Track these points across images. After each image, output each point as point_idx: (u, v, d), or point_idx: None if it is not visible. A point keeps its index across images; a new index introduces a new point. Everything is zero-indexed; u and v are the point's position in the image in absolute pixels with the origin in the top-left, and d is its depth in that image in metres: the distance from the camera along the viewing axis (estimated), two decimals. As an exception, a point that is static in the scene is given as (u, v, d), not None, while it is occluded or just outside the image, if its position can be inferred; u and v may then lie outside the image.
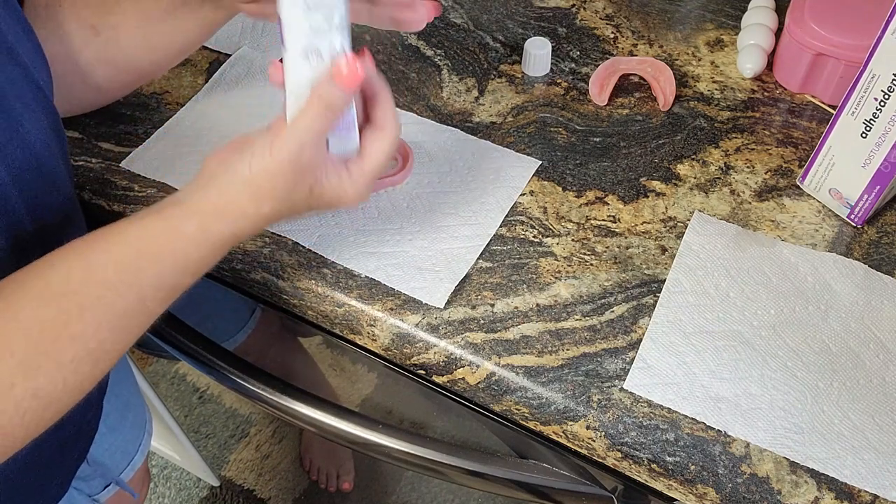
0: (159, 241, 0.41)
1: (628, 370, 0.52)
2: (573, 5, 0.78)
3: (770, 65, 0.70)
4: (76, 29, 0.57)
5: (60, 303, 0.40)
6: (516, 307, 0.56)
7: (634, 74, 0.71)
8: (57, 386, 0.40)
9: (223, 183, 0.42)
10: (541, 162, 0.64)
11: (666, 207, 0.61)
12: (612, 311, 0.55)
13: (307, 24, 0.40)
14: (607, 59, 0.72)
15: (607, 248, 0.59)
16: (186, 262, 0.42)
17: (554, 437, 0.54)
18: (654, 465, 0.50)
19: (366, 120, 0.47)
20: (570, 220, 0.60)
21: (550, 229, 0.60)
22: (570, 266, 0.58)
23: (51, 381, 0.39)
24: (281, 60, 0.44)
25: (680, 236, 0.59)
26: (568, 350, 0.54)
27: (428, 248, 0.59)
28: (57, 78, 0.53)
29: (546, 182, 0.63)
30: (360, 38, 0.76)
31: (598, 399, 0.51)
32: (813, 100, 0.68)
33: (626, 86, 0.70)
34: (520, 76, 0.71)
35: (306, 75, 0.43)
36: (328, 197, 0.45)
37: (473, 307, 0.56)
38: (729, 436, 0.50)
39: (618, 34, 0.75)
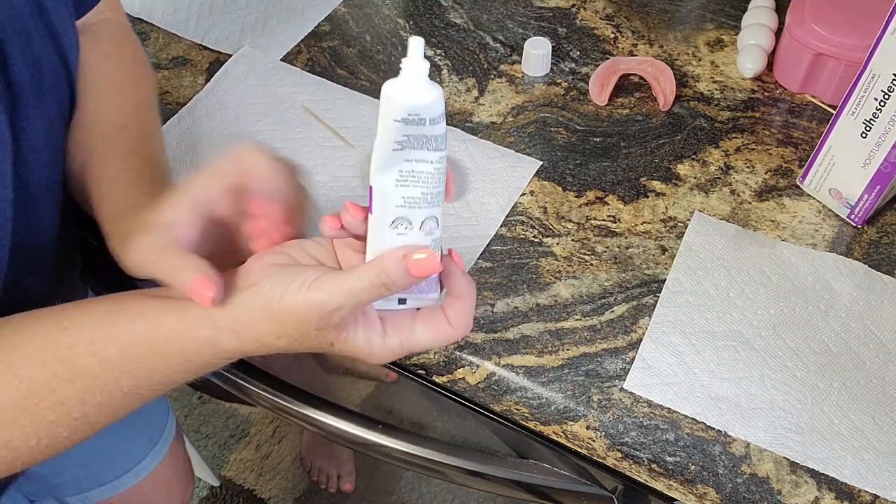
0: (169, 339, 0.41)
1: (628, 370, 0.52)
2: (573, 5, 0.78)
3: (770, 65, 0.70)
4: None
5: (57, 369, 0.39)
6: (516, 307, 0.56)
7: (634, 74, 0.71)
8: (30, 442, 0.40)
9: (252, 304, 0.40)
10: (541, 162, 0.64)
11: (666, 207, 0.61)
12: (612, 311, 0.55)
13: (400, 195, 0.38)
14: (607, 59, 0.72)
15: (607, 248, 0.59)
16: (189, 366, 0.42)
17: (554, 437, 0.54)
18: (654, 465, 0.50)
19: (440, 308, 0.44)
20: (570, 220, 0.60)
21: (550, 229, 0.60)
22: (570, 266, 0.58)
23: (24, 437, 0.39)
24: (338, 216, 0.41)
25: (680, 236, 0.59)
26: (568, 350, 0.54)
27: (428, 248, 0.59)
28: None
29: (546, 182, 0.63)
30: (360, 37, 0.76)
31: (598, 399, 0.51)
32: (813, 100, 0.68)
33: (626, 86, 0.70)
34: (520, 76, 0.71)
35: (394, 243, 0.40)
36: (349, 352, 0.43)
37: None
38: (729, 436, 0.50)
39: (618, 34, 0.75)
